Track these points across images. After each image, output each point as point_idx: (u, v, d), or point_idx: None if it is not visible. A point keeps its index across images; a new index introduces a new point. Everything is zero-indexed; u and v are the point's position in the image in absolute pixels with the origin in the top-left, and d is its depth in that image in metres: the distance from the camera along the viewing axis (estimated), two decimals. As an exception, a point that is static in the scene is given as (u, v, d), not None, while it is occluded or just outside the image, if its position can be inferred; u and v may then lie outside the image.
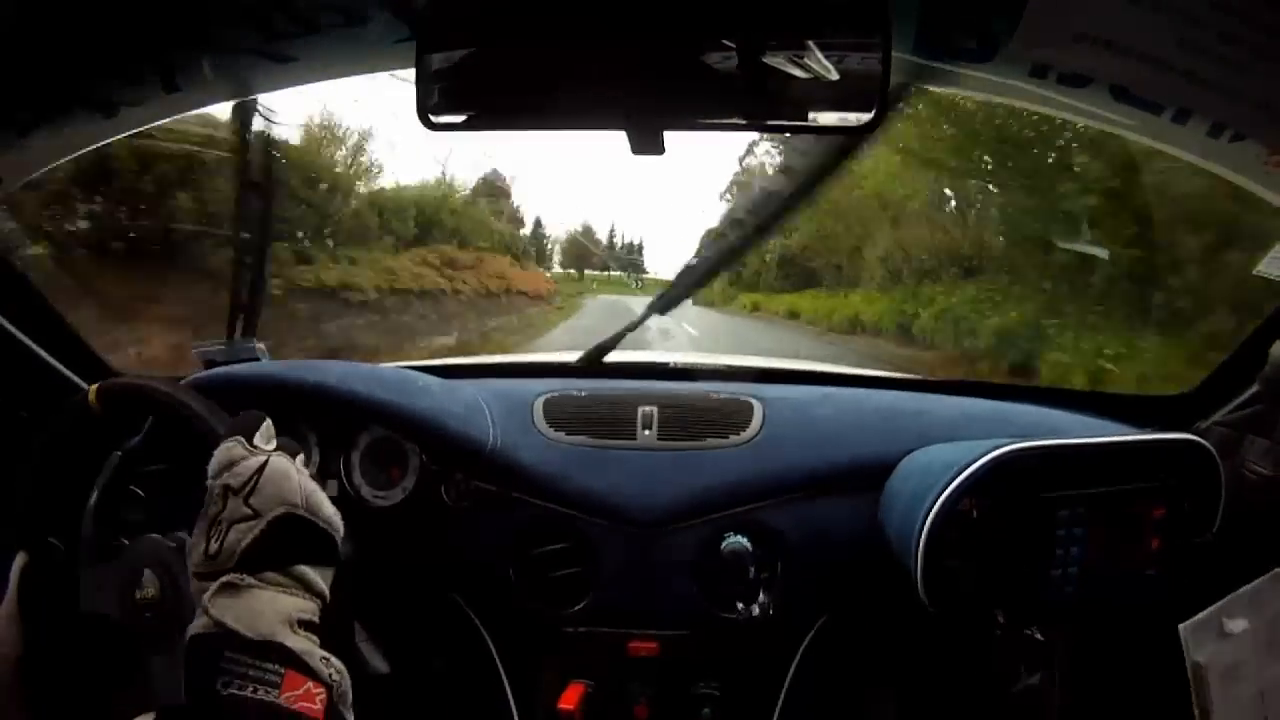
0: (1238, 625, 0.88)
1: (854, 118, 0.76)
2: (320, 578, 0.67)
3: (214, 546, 0.64)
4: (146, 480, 0.92)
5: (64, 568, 0.87)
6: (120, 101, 0.86)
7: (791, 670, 1.07)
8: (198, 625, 0.61)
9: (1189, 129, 0.81)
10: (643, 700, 1.05)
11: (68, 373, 1.14)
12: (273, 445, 0.71)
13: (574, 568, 1.05)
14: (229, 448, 0.68)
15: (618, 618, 1.06)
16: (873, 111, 0.75)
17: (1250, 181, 0.89)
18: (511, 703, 1.06)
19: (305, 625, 0.64)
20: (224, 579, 0.62)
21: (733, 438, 1.11)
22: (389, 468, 1.09)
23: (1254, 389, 1.03)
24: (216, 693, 0.57)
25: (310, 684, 0.60)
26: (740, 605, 1.05)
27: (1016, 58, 0.79)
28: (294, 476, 0.68)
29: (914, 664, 1.19)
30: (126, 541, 0.87)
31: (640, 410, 1.13)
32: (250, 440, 0.69)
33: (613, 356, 1.34)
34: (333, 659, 0.63)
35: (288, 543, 0.66)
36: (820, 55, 0.73)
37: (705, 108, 0.77)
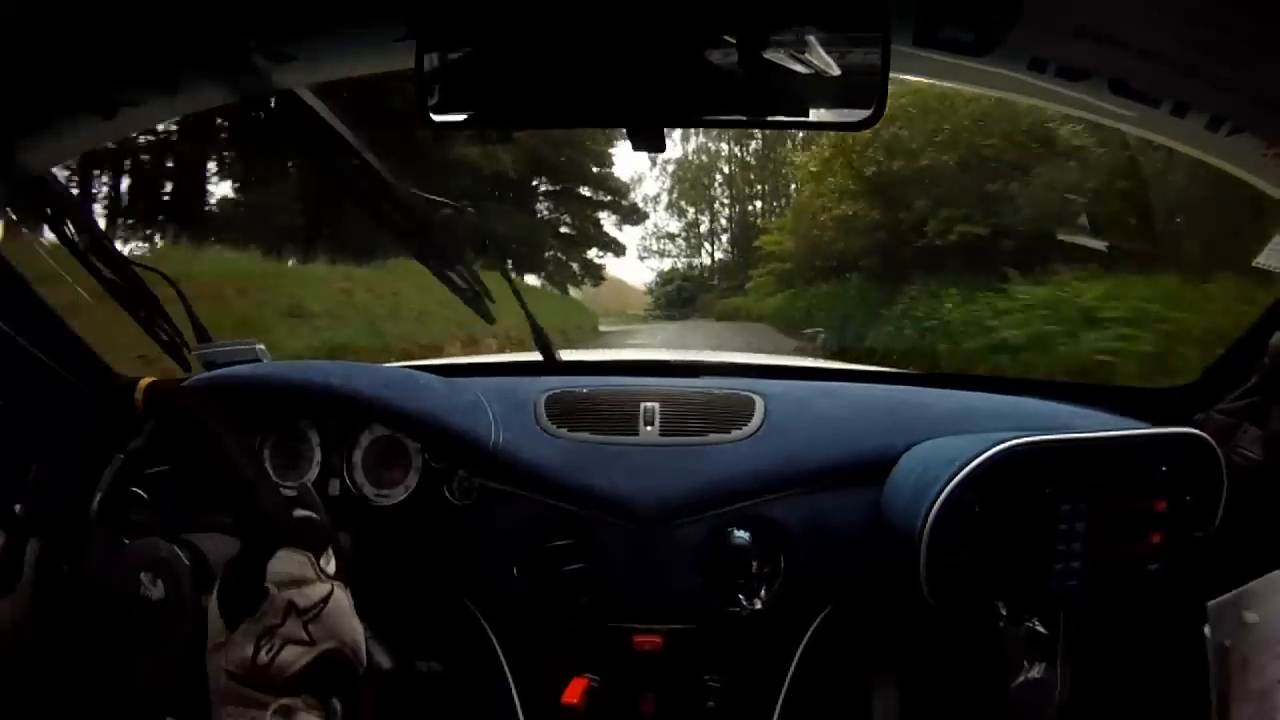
0: (1251, 617, 0.88)
1: (853, 112, 0.77)
2: (346, 712, 0.69)
3: (264, 658, 0.65)
4: (149, 482, 0.92)
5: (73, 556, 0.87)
6: (120, 102, 0.86)
7: (794, 662, 1.08)
8: None
9: (1188, 122, 0.82)
10: (647, 694, 1.05)
11: (68, 375, 1.14)
12: (333, 569, 0.72)
13: (577, 563, 1.05)
14: (300, 563, 0.69)
15: (621, 612, 1.06)
16: (872, 106, 0.75)
17: (1249, 174, 0.89)
18: (516, 698, 1.06)
19: None
20: (283, 702, 0.64)
21: (734, 433, 1.11)
22: (392, 467, 1.09)
23: (1253, 380, 1.04)
24: None
25: None
26: (743, 599, 1.05)
27: (1015, 51, 0.79)
28: (350, 613, 0.71)
29: (916, 656, 1.20)
30: (128, 542, 0.87)
31: (642, 406, 1.14)
32: (319, 559, 0.71)
33: (614, 354, 1.34)
34: None
35: (329, 676, 0.68)
36: (820, 50, 0.73)
37: (705, 104, 0.77)
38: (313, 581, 0.69)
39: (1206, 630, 0.89)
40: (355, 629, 0.71)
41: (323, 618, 0.68)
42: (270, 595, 0.67)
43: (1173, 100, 0.81)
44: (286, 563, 0.69)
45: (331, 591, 0.69)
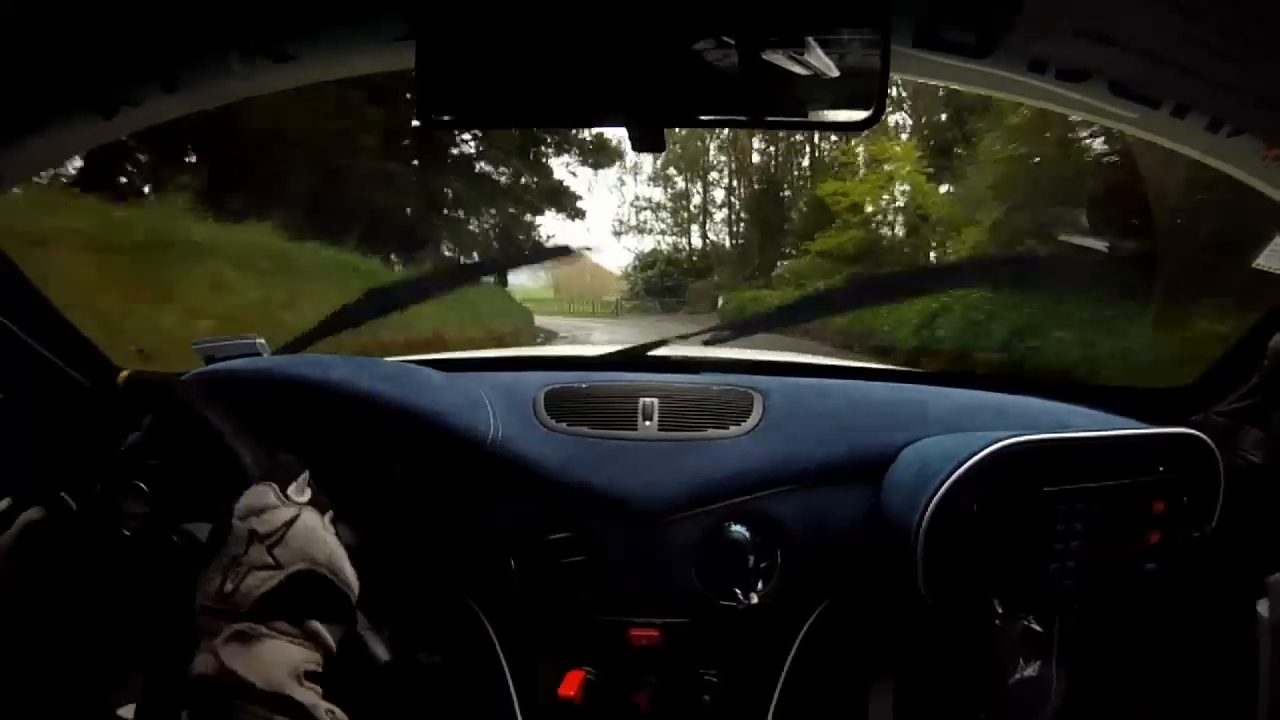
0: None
1: (852, 113, 0.77)
2: (330, 634, 0.69)
3: (229, 586, 0.65)
4: (149, 473, 0.93)
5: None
6: (120, 101, 0.86)
7: (790, 658, 1.09)
8: (205, 666, 0.63)
9: (1188, 123, 0.81)
10: (643, 688, 1.06)
11: (68, 369, 1.15)
12: (307, 497, 0.72)
13: (575, 557, 1.05)
14: (261, 492, 0.70)
15: (619, 606, 1.07)
16: (871, 107, 0.75)
17: (1248, 176, 0.89)
18: (512, 691, 1.07)
19: (311, 676, 0.66)
20: (237, 627, 0.64)
21: (733, 429, 1.12)
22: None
23: (1253, 382, 1.04)
24: None
25: None
26: (740, 594, 1.06)
27: (1015, 52, 0.79)
28: (321, 534, 0.70)
29: (913, 653, 1.20)
30: (128, 534, 0.88)
31: (641, 401, 1.14)
32: (285, 489, 0.71)
33: (612, 349, 1.35)
34: (337, 711, 0.66)
35: (304, 597, 0.68)
36: (819, 51, 0.73)
37: (705, 104, 0.77)
38: (275, 507, 0.69)
39: (1260, 607, 0.88)
40: (330, 549, 0.70)
41: (287, 540, 0.68)
42: (232, 528, 0.68)
43: (1173, 101, 0.80)
44: (249, 496, 0.70)
45: (298, 515, 0.70)
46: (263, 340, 1.23)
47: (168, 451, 0.94)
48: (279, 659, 0.64)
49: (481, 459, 1.06)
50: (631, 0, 0.74)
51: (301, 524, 0.69)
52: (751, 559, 1.05)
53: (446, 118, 0.81)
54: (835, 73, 0.74)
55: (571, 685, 1.02)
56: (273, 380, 1.06)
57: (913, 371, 1.38)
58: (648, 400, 1.14)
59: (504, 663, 1.08)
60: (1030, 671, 1.08)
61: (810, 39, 0.72)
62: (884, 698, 1.19)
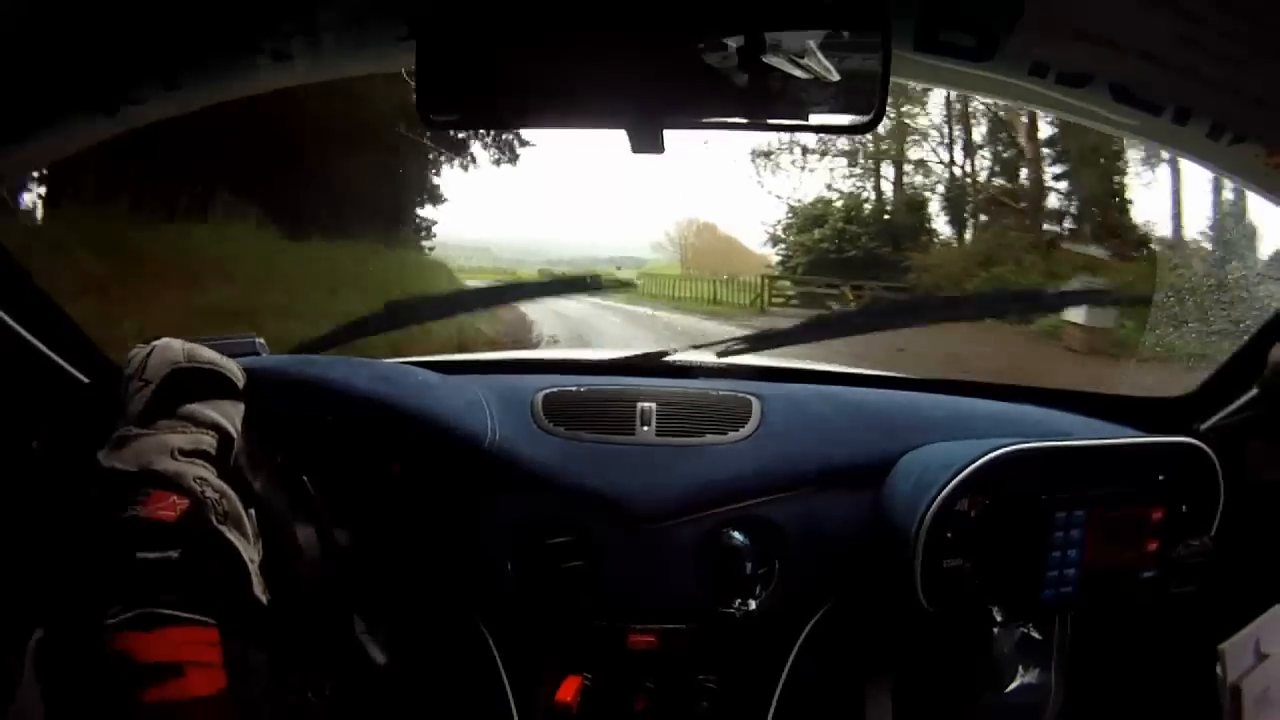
0: (1276, 646, 0.86)
1: (853, 116, 0.77)
2: (214, 410, 0.75)
3: (122, 424, 0.72)
4: None
5: None
6: (121, 99, 0.86)
7: (788, 664, 1.08)
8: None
9: (1189, 129, 0.81)
10: (641, 693, 1.05)
11: (68, 367, 1.15)
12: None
13: (572, 562, 1.05)
14: (132, 352, 0.77)
15: (616, 611, 1.06)
16: (872, 110, 0.75)
17: (1250, 182, 0.89)
18: (510, 695, 1.07)
19: (193, 454, 0.71)
20: (115, 435, 0.71)
21: (731, 434, 1.11)
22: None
23: (1253, 392, 1.04)
24: (104, 519, 0.66)
25: (174, 497, 0.68)
26: (738, 600, 1.05)
27: (1016, 56, 0.78)
28: (175, 343, 0.77)
29: (911, 660, 1.20)
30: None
31: (639, 406, 1.14)
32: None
33: (610, 353, 1.34)
34: (211, 480, 0.71)
35: (176, 392, 0.74)
36: (820, 54, 0.73)
37: (705, 107, 0.77)
38: (138, 351, 0.77)
39: (1219, 670, 0.88)
40: (184, 349, 0.77)
41: (149, 361, 0.75)
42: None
43: (1174, 106, 0.80)
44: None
45: (155, 344, 0.77)
46: (262, 340, 1.23)
47: None
48: (150, 446, 0.70)
49: (479, 462, 1.06)
50: (633, 2, 0.74)
51: (158, 345, 0.76)
52: (749, 565, 1.05)
53: (446, 118, 0.81)
54: (836, 76, 0.74)
55: (569, 691, 1.01)
56: (271, 380, 1.06)
57: (911, 379, 1.37)
58: (646, 405, 1.14)
59: (501, 667, 1.08)
60: (1028, 678, 1.08)
61: (811, 42, 0.73)
62: (882, 705, 1.19)
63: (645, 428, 1.12)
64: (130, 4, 0.75)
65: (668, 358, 1.36)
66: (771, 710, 1.07)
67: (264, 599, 0.73)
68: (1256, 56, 0.70)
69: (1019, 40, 0.76)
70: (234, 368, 0.79)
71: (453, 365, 1.30)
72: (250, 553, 0.72)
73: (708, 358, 1.33)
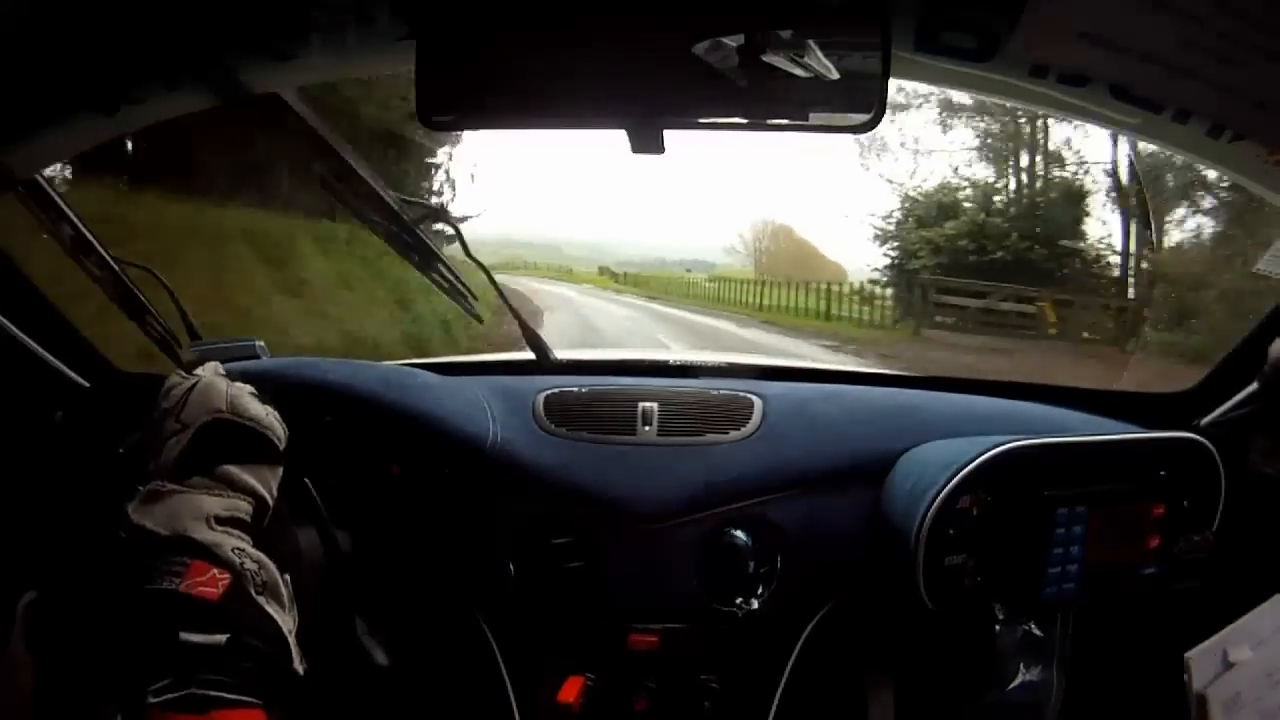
0: (1242, 654, 0.87)
1: (853, 116, 0.77)
2: (252, 475, 0.70)
3: (153, 465, 0.69)
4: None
5: None
6: (121, 99, 0.86)
7: (790, 663, 1.08)
8: (120, 528, 0.65)
9: (1190, 128, 0.81)
10: (642, 693, 1.05)
11: (67, 371, 1.14)
12: (212, 371, 0.75)
13: (574, 562, 1.05)
14: (170, 379, 0.73)
15: (618, 611, 1.06)
16: (871, 110, 0.75)
17: (1250, 181, 0.89)
18: (511, 696, 1.07)
19: (229, 522, 0.67)
20: (149, 488, 0.67)
21: (732, 434, 1.11)
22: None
23: (1254, 387, 1.04)
24: (134, 589, 0.62)
25: (215, 571, 0.63)
26: (740, 599, 1.05)
27: (1016, 57, 0.78)
28: (219, 386, 0.72)
29: (913, 659, 1.20)
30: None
31: (640, 406, 1.14)
32: (191, 372, 0.74)
33: (611, 354, 1.34)
34: (249, 550, 0.67)
35: (215, 447, 0.69)
36: (820, 54, 0.73)
37: (705, 107, 0.77)
38: (178, 383, 0.72)
39: (1186, 679, 0.88)
40: (230, 395, 0.72)
41: (189, 403, 0.70)
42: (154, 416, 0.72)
43: (1175, 106, 0.80)
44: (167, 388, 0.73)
45: (197, 381, 0.72)
46: (262, 343, 1.23)
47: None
48: (184, 509, 0.65)
49: (480, 463, 1.06)
50: (632, 2, 0.74)
51: (200, 384, 0.72)
52: (751, 564, 1.05)
53: (446, 118, 0.81)
54: (836, 76, 0.74)
55: (570, 691, 1.01)
56: (270, 382, 1.06)
57: (912, 377, 1.38)
58: (647, 405, 1.14)
59: (503, 668, 1.08)
60: (1031, 676, 1.08)
61: (811, 42, 0.73)
62: (884, 703, 1.19)
63: (647, 428, 1.12)
64: (131, 4, 0.75)
65: (668, 358, 1.36)
66: (773, 709, 1.07)
67: (301, 669, 0.69)
68: (1257, 57, 0.70)
69: (1019, 41, 0.76)
70: (277, 429, 0.74)
71: (453, 366, 1.30)
72: (288, 623, 0.69)
73: (708, 357, 1.33)
